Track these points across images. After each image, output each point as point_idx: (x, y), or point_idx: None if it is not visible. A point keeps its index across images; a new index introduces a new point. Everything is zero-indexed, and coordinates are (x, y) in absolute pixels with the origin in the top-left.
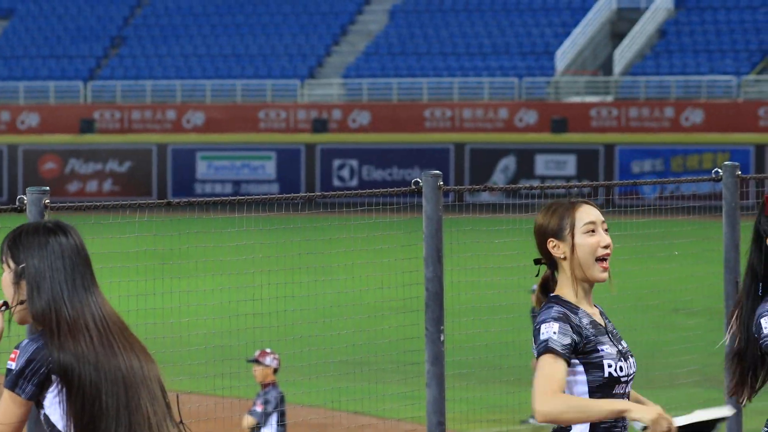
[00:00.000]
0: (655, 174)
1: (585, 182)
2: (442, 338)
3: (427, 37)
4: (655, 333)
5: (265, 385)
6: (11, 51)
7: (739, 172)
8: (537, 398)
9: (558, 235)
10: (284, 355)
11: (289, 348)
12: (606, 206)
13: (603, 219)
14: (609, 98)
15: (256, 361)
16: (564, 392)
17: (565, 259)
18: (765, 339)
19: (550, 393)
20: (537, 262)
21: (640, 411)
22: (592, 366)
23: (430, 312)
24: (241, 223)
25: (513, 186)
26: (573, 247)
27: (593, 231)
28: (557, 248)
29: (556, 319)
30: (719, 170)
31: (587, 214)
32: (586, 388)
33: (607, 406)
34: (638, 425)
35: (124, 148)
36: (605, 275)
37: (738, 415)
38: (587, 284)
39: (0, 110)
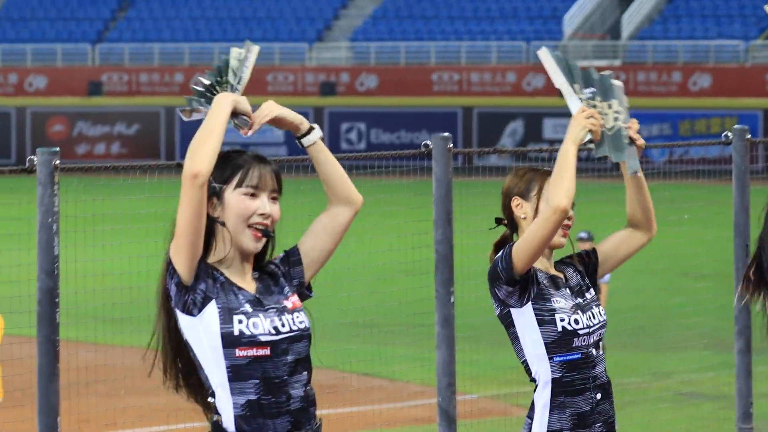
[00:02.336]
0: (663, 138)
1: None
2: (452, 300)
3: (435, 0)
4: (664, 297)
5: None
6: (19, 13)
7: (749, 136)
8: (548, 214)
9: (524, 195)
10: None
11: None
12: (614, 169)
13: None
14: (617, 62)
15: None
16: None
17: (525, 219)
18: None
19: (543, 211)
20: (498, 221)
21: (573, 134)
22: (545, 321)
23: (439, 274)
24: None
25: (522, 149)
26: (537, 210)
27: None
28: (520, 207)
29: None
30: (729, 134)
31: None
32: (542, 345)
33: (563, 158)
34: (595, 153)
35: (132, 110)
36: (564, 240)
37: (747, 378)
38: (547, 249)
39: (8, 73)
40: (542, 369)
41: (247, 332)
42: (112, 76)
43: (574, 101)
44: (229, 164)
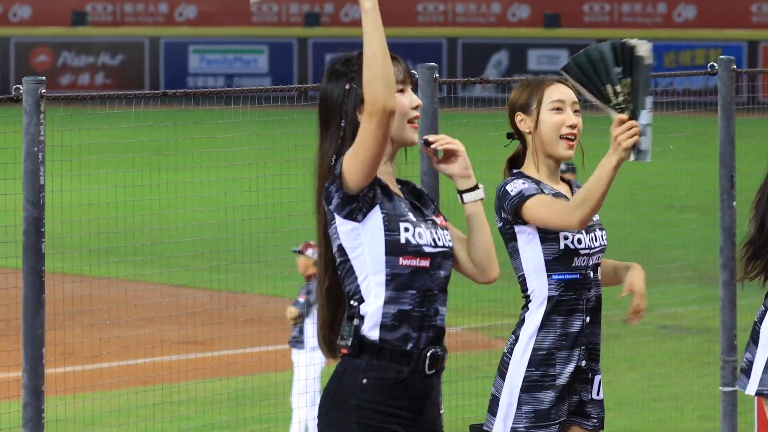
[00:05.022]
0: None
1: None
2: None
3: None
4: (647, 229)
5: (308, 277)
6: None
7: (735, 66)
8: (561, 223)
9: (525, 109)
10: (279, 248)
11: (284, 240)
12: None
13: (575, 100)
14: None
15: (300, 252)
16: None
17: (530, 134)
18: None
19: (563, 212)
20: (509, 136)
21: (615, 152)
22: (548, 239)
23: None
24: (236, 116)
25: (508, 78)
26: (537, 122)
27: (560, 109)
28: (523, 123)
29: (516, 177)
30: (714, 64)
31: (557, 92)
32: (542, 260)
33: (602, 174)
34: (632, 158)
35: (117, 41)
36: (570, 152)
37: (732, 311)
38: (552, 161)
39: None
40: (540, 286)
41: (413, 241)
42: (96, 6)
43: (610, 112)
44: None
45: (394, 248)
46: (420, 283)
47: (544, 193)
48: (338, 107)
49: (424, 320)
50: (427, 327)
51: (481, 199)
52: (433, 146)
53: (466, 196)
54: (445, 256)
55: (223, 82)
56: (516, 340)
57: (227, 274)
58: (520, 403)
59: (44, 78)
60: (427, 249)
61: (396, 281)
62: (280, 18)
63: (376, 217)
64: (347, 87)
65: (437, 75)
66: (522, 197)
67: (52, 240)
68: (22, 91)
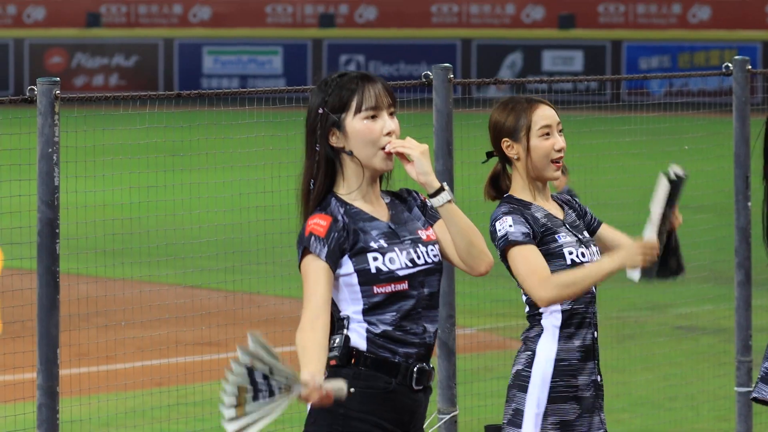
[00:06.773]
0: (662, 70)
1: (593, 76)
2: None
3: None
4: None
5: None
6: None
7: (750, 67)
8: (534, 289)
9: (513, 135)
10: (295, 249)
11: None
12: (613, 100)
13: (559, 120)
14: None
15: None
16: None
17: (518, 160)
18: None
19: (541, 279)
20: (489, 155)
21: (625, 260)
22: (554, 256)
23: None
24: (250, 116)
25: (522, 79)
26: (528, 149)
27: (548, 134)
28: (511, 149)
29: (507, 213)
30: (729, 65)
31: (543, 116)
32: None
33: (599, 272)
34: (634, 276)
35: (131, 42)
36: (558, 173)
37: (747, 311)
38: (540, 182)
39: (6, 4)
40: None
41: (384, 269)
42: (111, 8)
43: (650, 230)
44: (342, 91)
45: (366, 279)
46: (400, 305)
47: (528, 224)
48: (313, 130)
49: (410, 339)
50: (413, 344)
51: (449, 202)
52: (387, 149)
53: (431, 201)
54: (429, 273)
55: (237, 84)
56: (533, 354)
57: (242, 275)
58: (547, 414)
59: (58, 79)
60: (402, 272)
61: (375, 307)
62: (295, 19)
63: (345, 260)
64: (320, 111)
65: (452, 76)
66: (507, 242)
67: (66, 241)
68: (36, 93)
